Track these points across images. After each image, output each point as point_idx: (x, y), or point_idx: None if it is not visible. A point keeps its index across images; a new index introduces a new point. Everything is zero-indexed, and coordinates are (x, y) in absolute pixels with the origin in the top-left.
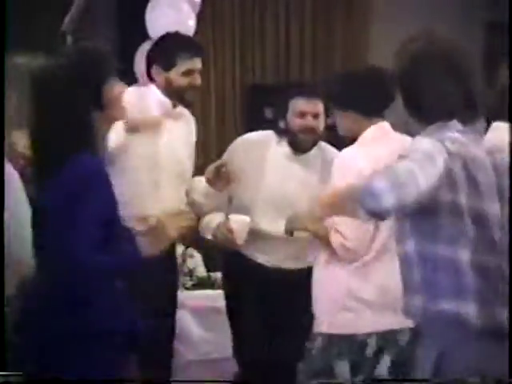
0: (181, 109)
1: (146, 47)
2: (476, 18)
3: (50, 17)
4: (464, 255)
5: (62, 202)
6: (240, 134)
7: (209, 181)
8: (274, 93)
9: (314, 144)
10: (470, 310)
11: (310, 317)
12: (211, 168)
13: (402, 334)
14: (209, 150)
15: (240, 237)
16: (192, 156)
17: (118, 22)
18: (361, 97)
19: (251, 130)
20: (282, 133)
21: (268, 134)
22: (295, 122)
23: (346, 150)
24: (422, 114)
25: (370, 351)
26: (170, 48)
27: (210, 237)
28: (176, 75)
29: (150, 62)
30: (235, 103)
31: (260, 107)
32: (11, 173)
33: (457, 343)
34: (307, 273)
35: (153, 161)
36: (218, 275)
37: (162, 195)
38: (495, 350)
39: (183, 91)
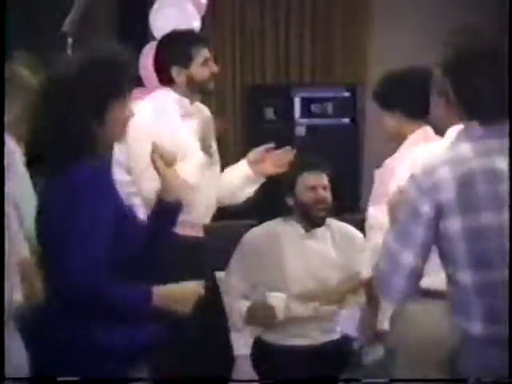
0: (196, 104)
1: (149, 53)
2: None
3: (51, 18)
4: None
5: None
6: (240, 134)
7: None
8: (274, 93)
9: (326, 217)
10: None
11: None
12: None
13: None
14: None
15: (280, 312)
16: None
17: (119, 24)
18: (407, 98)
19: (251, 130)
20: (290, 211)
21: (271, 223)
22: (307, 197)
23: (396, 155)
24: (475, 109)
25: None
26: (182, 45)
27: (240, 325)
28: (197, 68)
29: (166, 66)
30: (235, 103)
31: (260, 107)
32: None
33: None
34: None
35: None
36: None
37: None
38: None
39: (206, 82)
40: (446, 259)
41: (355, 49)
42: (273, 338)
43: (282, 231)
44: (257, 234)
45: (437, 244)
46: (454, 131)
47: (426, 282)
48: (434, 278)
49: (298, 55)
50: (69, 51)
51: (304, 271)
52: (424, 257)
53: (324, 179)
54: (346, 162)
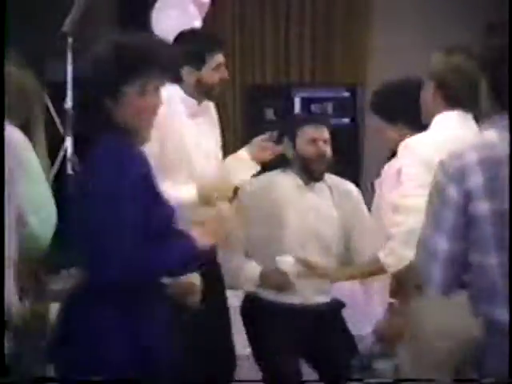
0: (206, 103)
1: None
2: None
3: (51, 18)
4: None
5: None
6: (240, 134)
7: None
8: (274, 93)
9: (325, 172)
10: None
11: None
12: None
13: None
14: None
15: (294, 277)
16: (219, 144)
17: (119, 23)
18: (409, 109)
19: (251, 130)
20: (289, 163)
21: (270, 174)
22: (308, 150)
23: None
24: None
25: None
26: (198, 46)
27: (251, 288)
28: (208, 72)
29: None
30: (235, 103)
31: (260, 107)
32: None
33: None
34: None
35: (186, 159)
36: None
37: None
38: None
39: (214, 87)
40: (475, 245)
41: (355, 49)
42: (265, 293)
43: (281, 181)
44: (255, 183)
45: (467, 229)
46: (440, 119)
47: None
48: None
49: (298, 55)
50: (69, 51)
51: (301, 222)
52: (459, 242)
53: (325, 132)
54: (346, 161)
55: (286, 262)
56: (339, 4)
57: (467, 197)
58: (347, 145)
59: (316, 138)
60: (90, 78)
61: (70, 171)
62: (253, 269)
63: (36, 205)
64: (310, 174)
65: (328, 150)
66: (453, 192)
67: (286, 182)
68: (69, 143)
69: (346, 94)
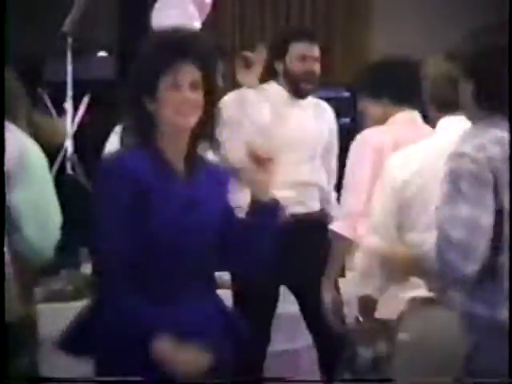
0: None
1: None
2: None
3: (51, 18)
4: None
5: None
6: None
7: None
8: None
9: (313, 90)
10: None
11: None
12: None
13: None
14: None
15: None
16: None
17: (119, 23)
18: (394, 85)
19: None
20: (278, 75)
21: (261, 85)
22: (297, 66)
23: (368, 129)
24: (491, 103)
25: None
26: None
27: None
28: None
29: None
30: None
31: None
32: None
33: None
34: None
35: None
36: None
37: None
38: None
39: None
40: (493, 242)
41: (355, 49)
42: None
43: (269, 91)
44: (243, 91)
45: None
46: (445, 123)
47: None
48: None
49: None
50: (69, 51)
51: (287, 135)
52: (498, 224)
53: (315, 51)
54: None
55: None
56: (339, 4)
57: (495, 185)
58: (347, 145)
59: (306, 56)
60: (131, 74)
61: (69, 171)
62: None
63: (32, 210)
64: (297, 90)
65: (317, 68)
66: (488, 175)
67: (273, 91)
68: (69, 143)
69: (346, 94)
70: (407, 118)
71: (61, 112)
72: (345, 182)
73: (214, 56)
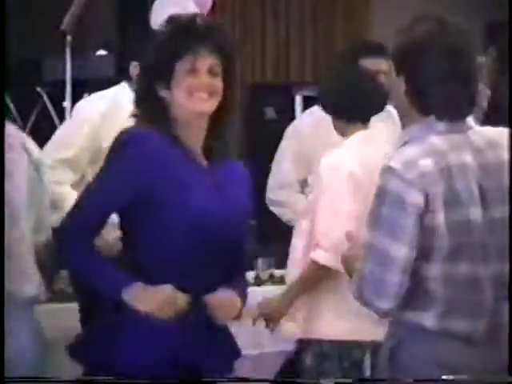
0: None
1: None
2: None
3: (51, 17)
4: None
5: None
6: (240, 133)
7: None
8: (274, 92)
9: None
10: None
11: None
12: None
13: None
14: None
15: None
16: None
17: (119, 22)
18: (351, 106)
19: (251, 129)
20: None
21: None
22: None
23: (334, 151)
24: (423, 102)
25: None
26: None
27: None
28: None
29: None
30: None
31: (260, 107)
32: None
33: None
34: None
35: None
36: None
37: None
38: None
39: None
40: (422, 252)
41: None
42: None
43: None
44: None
45: (420, 236)
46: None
47: None
48: None
49: (299, 53)
50: (68, 49)
51: None
52: (414, 248)
53: (383, 64)
54: None
55: None
56: (340, 1)
57: (425, 203)
58: None
59: (375, 70)
60: (145, 60)
61: None
62: None
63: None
64: None
65: (385, 82)
66: (412, 197)
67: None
68: None
69: None
70: (367, 136)
71: (60, 111)
72: (324, 210)
73: (233, 45)
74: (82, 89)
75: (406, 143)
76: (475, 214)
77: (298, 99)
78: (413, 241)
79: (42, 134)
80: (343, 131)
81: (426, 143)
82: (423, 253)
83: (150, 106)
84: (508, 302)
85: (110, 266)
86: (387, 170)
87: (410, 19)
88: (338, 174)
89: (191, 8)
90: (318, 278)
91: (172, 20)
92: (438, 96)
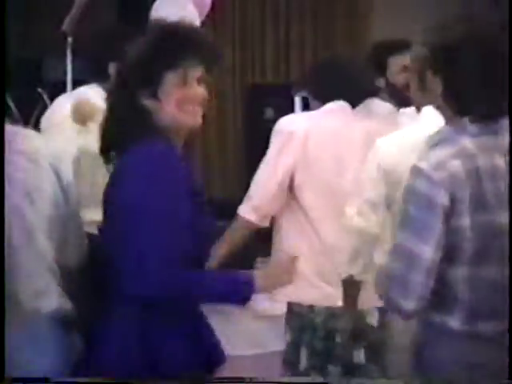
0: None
1: None
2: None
3: (51, 18)
4: (460, 271)
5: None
6: (240, 134)
7: None
8: (274, 92)
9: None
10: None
11: None
12: None
13: None
14: (209, 149)
15: None
16: None
17: (119, 22)
18: (327, 88)
19: (251, 130)
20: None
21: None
22: (401, 78)
23: (284, 117)
24: (459, 104)
25: None
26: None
27: None
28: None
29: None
30: (235, 103)
31: (260, 107)
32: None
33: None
34: None
35: None
36: None
37: None
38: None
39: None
40: (448, 253)
41: (356, 47)
42: None
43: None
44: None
45: (446, 237)
46: (428, 112)
47: None
48: None
49: (299, 53)
50: (68, 50)
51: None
52: (439, 249)
53: (408, 60)
54: None
55: None
56: (340, 3)
57: (453, 205)
58: None
59: (406, 67)
60: (128, 66)
61: None
62: None
63: None
64: (402, 101)
65: (408, 78)
66: (441, 198)
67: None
68: None
69: None
70: (334, 107)
71: None
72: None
73: (219, 55)
74: None
75: (436, 144)
76: (503, 217)
77: (298, 99)
78: (439, 242)
79: None
80: None
81: (457, 145)
82: (449, 254)
83: (130, 114)
84: (508, 301)
85: (217, 273)
86: (416, 171)
87: (445, 18)
88: (280, 134)
89: (191, 8)
90: (237, 229)
91: (158, 26)
92: (475, 99)
